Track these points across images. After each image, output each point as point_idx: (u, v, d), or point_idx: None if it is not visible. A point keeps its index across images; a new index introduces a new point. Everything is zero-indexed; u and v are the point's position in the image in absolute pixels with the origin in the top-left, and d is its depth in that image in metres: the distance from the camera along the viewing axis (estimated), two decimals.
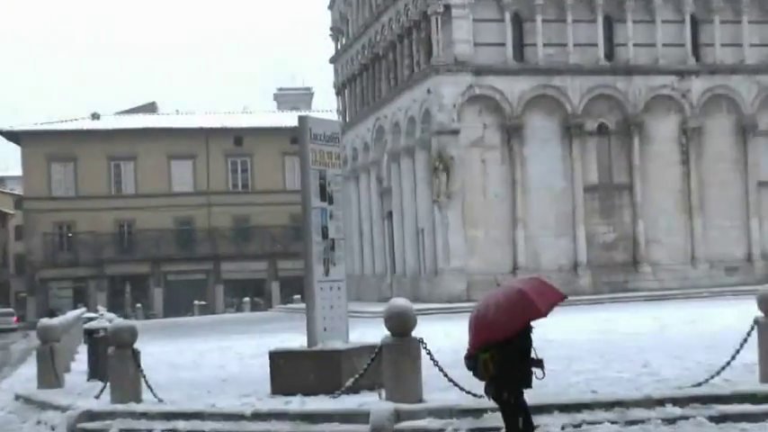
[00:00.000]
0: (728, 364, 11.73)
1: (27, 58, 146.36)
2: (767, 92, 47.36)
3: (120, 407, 12.34)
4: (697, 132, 45.91)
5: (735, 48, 47.31)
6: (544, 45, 44.23)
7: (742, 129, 46.73)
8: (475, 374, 8.38)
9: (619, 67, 45.46)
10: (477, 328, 8.21)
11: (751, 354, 11.64)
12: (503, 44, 43.86)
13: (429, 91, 43.23)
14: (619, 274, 44.58)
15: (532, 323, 8.29)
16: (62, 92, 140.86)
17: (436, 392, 11.46)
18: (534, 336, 23.78)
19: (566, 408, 10.66)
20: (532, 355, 8.41)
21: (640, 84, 45.29)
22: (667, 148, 45.80)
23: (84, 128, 68.14)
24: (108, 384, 13.26)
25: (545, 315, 8.18)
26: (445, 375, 11.32)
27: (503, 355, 8.03)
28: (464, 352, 16.09)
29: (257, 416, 11.29)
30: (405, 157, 46.63)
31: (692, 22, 46.68)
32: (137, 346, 13.06)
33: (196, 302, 61.03)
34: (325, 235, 13.52)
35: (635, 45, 45.53)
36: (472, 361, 8.24)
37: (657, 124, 45.68)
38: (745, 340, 11.68)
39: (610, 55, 45.68)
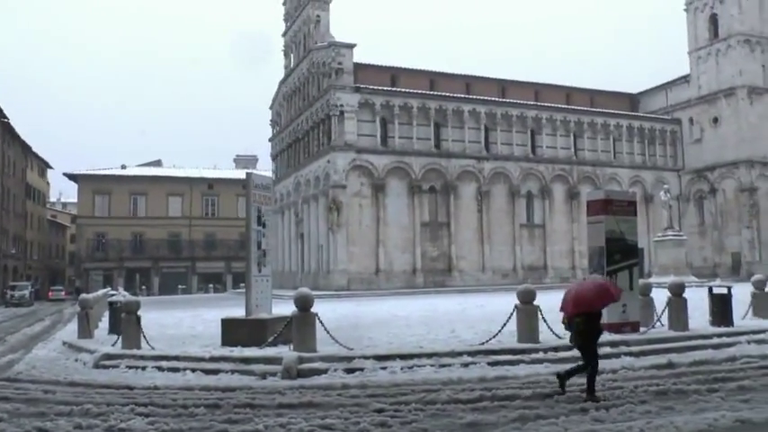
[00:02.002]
0: (500, 331, 12.26)
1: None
2: (525, 172, 48.56)
3: (127, 351, 12.40)
4: (487, 194, 47.04)
5: (508, 145, 48.41)
6: (399, 137, 44.92)
7: (512, 193, 48.08)
8: (568, 329, 8.60)
9: (442, 153, 46.05)
10: (574, 301, 8.33)
11: (513, 325, 12.25)
12: (374, 135, 44.44)
13: (329, 161, 43.46)
14: (440, 276, 44.92)
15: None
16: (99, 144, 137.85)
17: (326, 346, 11.46)
18: (387, 313, 25.45)
19: (403, 357, 10.96)
20: (602, 321, 8.57)
21: (455, 163, 46.19)
22: (470, 202, 46.68)
23: (116, 173, 68.21)
24: (120, 337, 13.39)
25: (616, 300, 8.90)
26: (331, 336, 11.63)
27: (589, 320, 8.29)
28: (346, 322, 17.83)
29: (213, 358, 11.25)
30: (312, 201, 46.57)
31: (484, 129, 47.77)
32: (140, 313, 13.09)
33: (180, 287, 60.57)
34: (259, 247, 13.56)
35: (452, 140, 46.58)
36: (570, 322, 8.44)
37: (464, 188, 46.54)
38: (510, 317, 12.34)
39: (437, 145, 46.27)
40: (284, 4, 57.41)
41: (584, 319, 8.28)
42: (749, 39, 52.86)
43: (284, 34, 56.65)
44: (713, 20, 54.78)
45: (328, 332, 11.69)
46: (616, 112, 55.25)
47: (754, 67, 53.08)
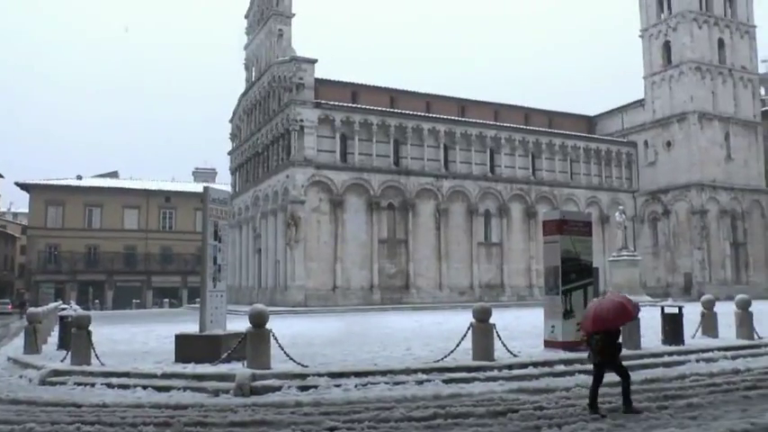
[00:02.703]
0: (455, 348, 12.16)
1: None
2: (484, 191, 49.14)
3: (75, 368, 12.10)
4: (445, 212, 47.32)
5: (467, 164, 49.01)
6: (359, 153, 45.01)
7: (470, 211, 48.47)
8: (588, 346, 8.76)
9: (402, 170, 46.25)
10: (594, 320, 8.48)
11: (468, 343, 12.19)
12: (334, 151, 44.48)
13: (288, 176, 43.31)
14: (397, 293, 44.85)
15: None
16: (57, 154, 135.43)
17: (280, 363, 11.34)
18: (343, 330, 25.35)
19: (357, 374, 10.87)
20: (619, 340, 8.68)
21: (414, 181, 46.44)
22: (428, 220, 46.86)
23: (71, 184, 66.25)
24: (69, 353, 13.04)
25: (634, 318, 9.17)
26: (285, 353, 11.48)
27: (607, 337, 8.49)
28: (301, 339, 17.77)
29: (164, 375, 11.05)
30: (270, 216, 46.13)
31: (444, 147, 48.20)
32: (91, 328, 12.82)
33: (134, 301, 59.19)
34: (215, 262, 13.33)
35: (411, 158, 46.81)
36: (590, 339, 8.61)
37: (423, 205, 46.73)
38: (465, 335, 12.27)
39: (397, 162, 46.49)
40: (246, 16, 57.43)
41: (602, 337, 8.49)
42: (700, 66, 54.54)
43: (246, 47, 56.57)
44: (667, 47, 56.50)
45: (283, 349, 11.56)
46: (574, 133, 56.33)
47: (705, 94, 54.71)
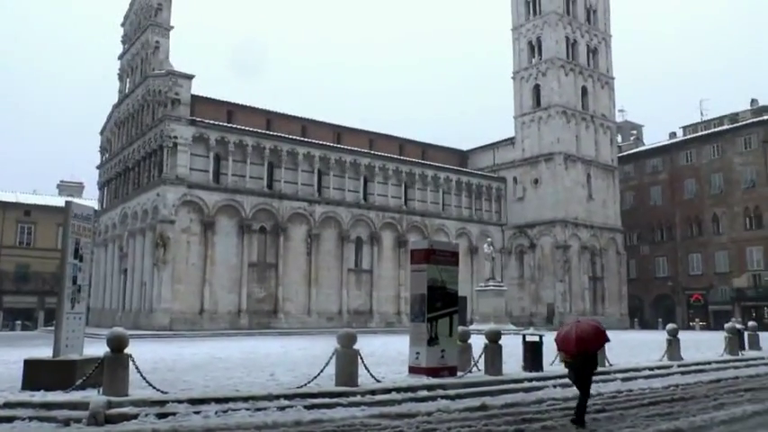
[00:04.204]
0: (319, 374, 12.22)
1: None
2: (356, 218, 49.48)
3: None
4: (317, 237, 47.33)
5: (340, 190, 49.25)
6: (232, 174, 44.30)
7: (342, 237, 48.72)
8: (568, 367, 9.62)
9: (275, 193, 45.90)
10: (578, 342, 9.20)
11: (332, 368, 12.28)
12: (207, 171, 43.57)
13: (158, 194, 42.10)
14: (265, 318, 44.36)
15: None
16: None
17: (139, 390, 10.94)
18: (207, 355, 24.75)
19: (218, 400, 10.71)
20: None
21: (287, 205, 46.13)
22: (300, 244, 46.72)
23: None
24: None
25: (608, 341, 9.88)
26: (144, 379, 11.11)
27: (591, 357, 9.41)
28: (163, 364, 17.19)
29: (8, 404, 10.17)
30: (138, 235, 44.67)
31: (318, 172, 48.29)
32: None
33: None
34: (74, 282, 12.73)
35: (285, 182, 46.42)
36: (571, 359, 9.39)
37: (295, 230, 46.54)
38: (329, 360, 12.38)
39: (270, 185, 46.10)
40: (123, 25, 55.89)
41: (584, 357, 9.26)
42: (566, 111, 58.19)
43: (121, 57, 54.86)
44: (536, 90, 59.84)
45: (142, 375, 11.17)
46: (446, 166, 58.10)
47: (570, 137, 58.27)
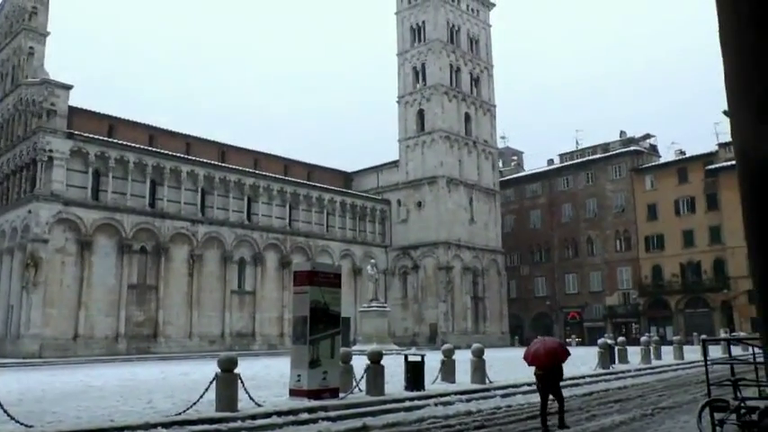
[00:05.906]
0: (198, 400, 11.85)
1: None
2: (240, 238, 49.12)
3: None
4: (200, 258, 46.53)
5: (224, 210, 48.84)
6: (112, 192, 42.93)
7: (225, 258, 48.06)
8: (539, 379, 10.82)
9: (157, 212, 44.81)
10: (548, 356, 10.64)
11: (212, 394, 11.99)
12: (85, 187, 41.94)
13: (30, 211, 40.11)
14: (145, 342, 42.97)
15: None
16: None
17: (0, 425, 10.06)
18: (81, 383, 23.79)
19: None
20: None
21: (169, 224, 45.14)
22: (182, 265, 45.71)
23: None
24: None
25: (570, 355, 11.15)
26: (5, 412, 10.24)
27: (559, 369, 10.86)
28: (30, 395, 16.23)
29: None
30: (6, 254, 42.32)
31: (201, 191, 47.71)
32: None
33: None
34: None
35: (168, 200, 45.61)
36: (543, 371, 10.68)
37: (177, 250, 45.52)
38: (210, 386, 12.08)
39: (152, 204, 44.96)
40: None
41: (554, 369, 10.71)
42: (449, 135, 59.97)
43: None
44: (421, 115, 61.44)
45: (3, 407, 10.35)
46: (331, 187, 58.54)
47: (453, 161, 60.01)
